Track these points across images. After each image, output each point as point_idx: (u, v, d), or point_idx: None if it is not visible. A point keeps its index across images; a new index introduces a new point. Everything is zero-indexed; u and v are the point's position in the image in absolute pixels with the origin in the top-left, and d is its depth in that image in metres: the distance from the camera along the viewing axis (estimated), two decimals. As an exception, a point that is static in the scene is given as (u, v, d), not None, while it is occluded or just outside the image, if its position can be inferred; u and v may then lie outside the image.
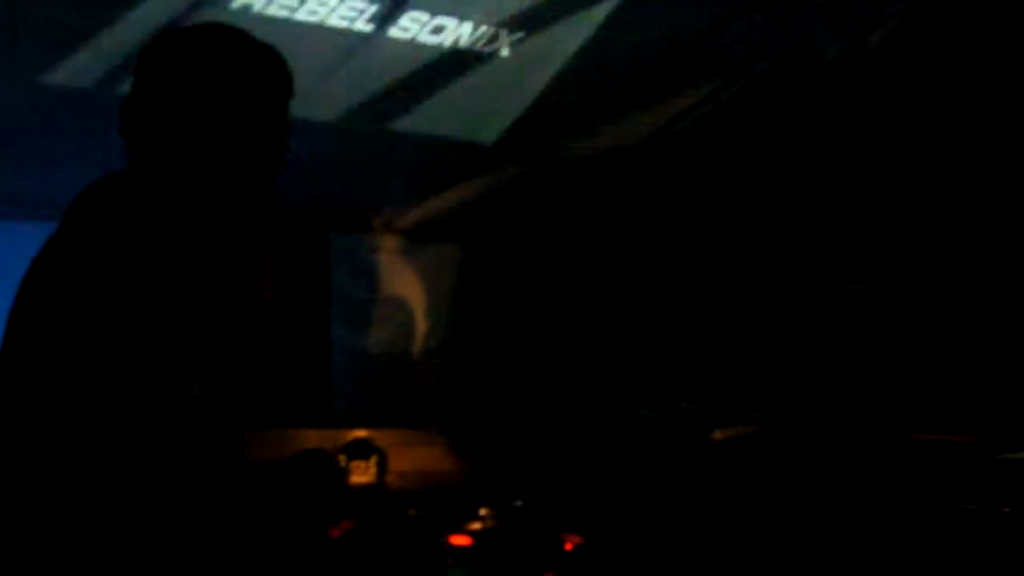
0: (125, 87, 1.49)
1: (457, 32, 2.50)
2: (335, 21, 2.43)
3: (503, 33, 2.48)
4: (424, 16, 2.48)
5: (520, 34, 2.47)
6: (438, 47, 2.54)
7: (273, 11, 2.33)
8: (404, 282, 3.60)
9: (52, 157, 2.70)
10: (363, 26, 2.46)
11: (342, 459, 2.39)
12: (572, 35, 2.52)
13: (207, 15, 2.21)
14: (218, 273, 1.43)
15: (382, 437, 2.43)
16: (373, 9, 2.42)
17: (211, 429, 1.42)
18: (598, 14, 2.43)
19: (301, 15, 2.37)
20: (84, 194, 1.45)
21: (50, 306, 1.35)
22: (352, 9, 2.41)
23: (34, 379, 1.33)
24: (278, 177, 1.53)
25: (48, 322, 1.34)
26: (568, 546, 1.92)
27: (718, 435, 2.08)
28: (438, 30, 2.51)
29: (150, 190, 1.44)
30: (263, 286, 1.52)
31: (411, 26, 2.49)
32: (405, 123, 2.85)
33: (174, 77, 1.45)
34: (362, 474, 2.41)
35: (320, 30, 2.42)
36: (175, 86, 1.44)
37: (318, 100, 2.68)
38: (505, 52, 2.55)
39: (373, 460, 2.43)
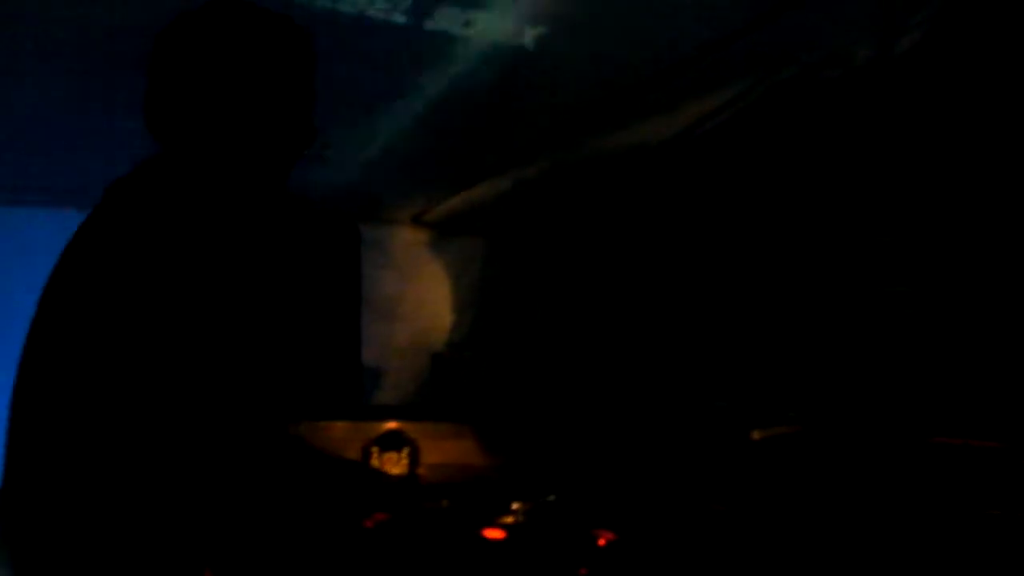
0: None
1: (486, 27, 2.51)
2: (372, 12, 2.43)
3: (528, 28, 2.48)
4: (455, 10, 2.48)
5: (545, 29, 2.48)
6: (467, 41, 2.55)
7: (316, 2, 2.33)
8: (432, 275, 3.62)
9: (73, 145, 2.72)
10: (397, 18, 2.47)
11: (374, 451, 2.41)
12: (599, 36, 2.52)
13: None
14: (252, 259, 1.43)
15: (414, 429, 2.45)
16: (407, 3, 2.43)
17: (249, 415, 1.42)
18: (624, 15, 2.43)
19: (340, 6, 2.38)
20: (118, 183, 1.44)
21: (84, 294, 1.34)
22: (387, 1, 2.42)
23: (66, 367, 1.32)
24: (306, 151, 1.51)
25: (83, 309, 1.33)
26: (601, 542, 1.93)
27: (756, 435, 2.09)
28: (468, 24, 2.51)
29: (181, 179, 1.42)
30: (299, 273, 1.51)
31: (442, 19, 2.50)
32: (434, 117, 2.86)
33: (194, 61, 1.41)
34: (394, 466, 2.43)
35: (354, 20, 2.42)
36: (196, 70, 1.40)
37: (349, 90, 2.69)
38: (531, 48, 2.55)
39: (405, 452, 2.44)
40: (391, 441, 2.46)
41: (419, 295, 3.57)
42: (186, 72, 1.41)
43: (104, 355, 1.31)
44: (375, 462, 2.46)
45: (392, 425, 2.47)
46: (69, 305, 1.36)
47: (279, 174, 1.51)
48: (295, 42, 1.48)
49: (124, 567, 1.30)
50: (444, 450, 2.46)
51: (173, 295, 1.34)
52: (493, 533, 2.01)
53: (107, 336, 1.31)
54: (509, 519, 2.04)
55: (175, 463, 1.33)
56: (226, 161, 1.44)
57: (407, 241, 3.57)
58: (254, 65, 1.42)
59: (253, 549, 1.40)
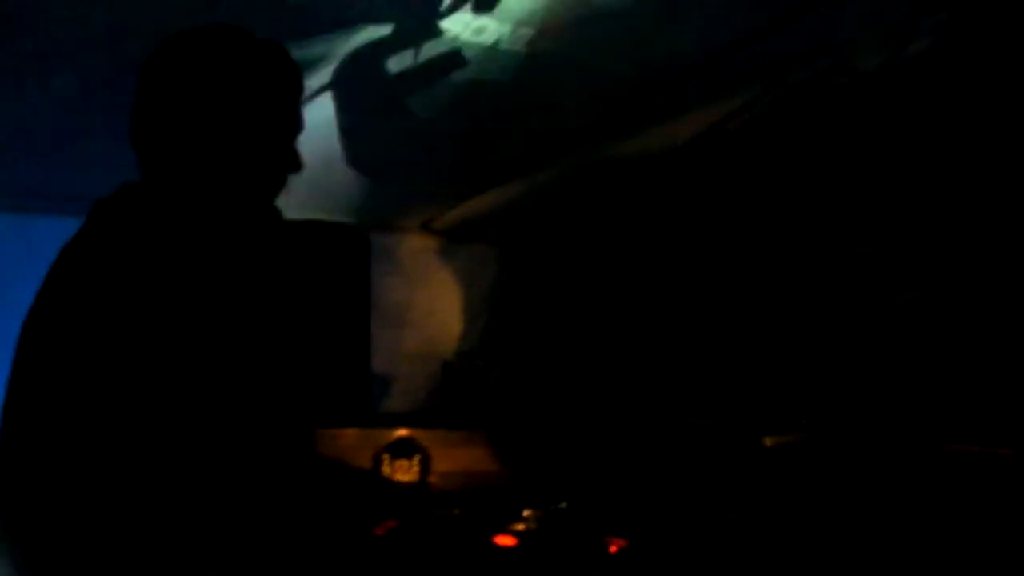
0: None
1: (497, 33, 2.51)
2: (382, 19, 2.44)
3: (539, 35, 2.49)
4: (466, 16, 2.49)
5: (557, 36, 2.48)
6: (479, 47, 2.55)
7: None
8: (441, 282, 3.62)
9: (77, 152, 2.72)
10: (408, 24, 2.47)
11: (385, 458, 2.41)
12: (610, 41, 2.52)
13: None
14: (235, 283, 1.42)
15: (425, 437, 2.45)
16: (417, 9, 2.44)
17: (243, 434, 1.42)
18: (636, 21, 2.43)
19: (349, 13, 2.38)
20: (99, 207, 1.43)
21: (82, 307, 1.33)
22: (396, 8, 2.43)
23: (69, 369, 1.30)
24: (292, 178, 1.50)
25: (85, 318, 1.32)
26: (613, 549, 1.93)
27: (768, 442, 2.09)
28: (479, 31, 2.52)
29: (164, 204, 1.42)
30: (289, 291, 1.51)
31: (453, 27, 2.50)
32: (445, 124, 2.86)
33: (180, 85, 1.41)
34: (405, 473, 2.43)
35: (364, 27, 2.43)
36: (182, 94, 1.41)
37: (359, 101, 2.70)
38: (542, 55, 2.55)
39: (416, 459, 2.44)
40: (402, 448, 2.46)
41: (428, 302, 3.57)
42: (171, 96, 1.42)
43: (109, 363, 1.30)
44: (386, 469, 2.46)
45: (403, 432, 2.48)
46: (72, 314, 1.34)
47: (263, 199, 1.50)
48: (280, 69, 1.48)
49: (127, 567, 1.29)
50: (455, 457, 2.46)
51: (177, 307, 1.33)
52: (504, 540, 2.01)
53: (114, 344, 1.30)
54: (520, 526, 2.04)
55: (180, 468, 1.32)
56: (212, 182, 1.44)
57: (416, 248, 3.57)
58: (237, 91, 1.43)
59: (262, 556, 1.40)
